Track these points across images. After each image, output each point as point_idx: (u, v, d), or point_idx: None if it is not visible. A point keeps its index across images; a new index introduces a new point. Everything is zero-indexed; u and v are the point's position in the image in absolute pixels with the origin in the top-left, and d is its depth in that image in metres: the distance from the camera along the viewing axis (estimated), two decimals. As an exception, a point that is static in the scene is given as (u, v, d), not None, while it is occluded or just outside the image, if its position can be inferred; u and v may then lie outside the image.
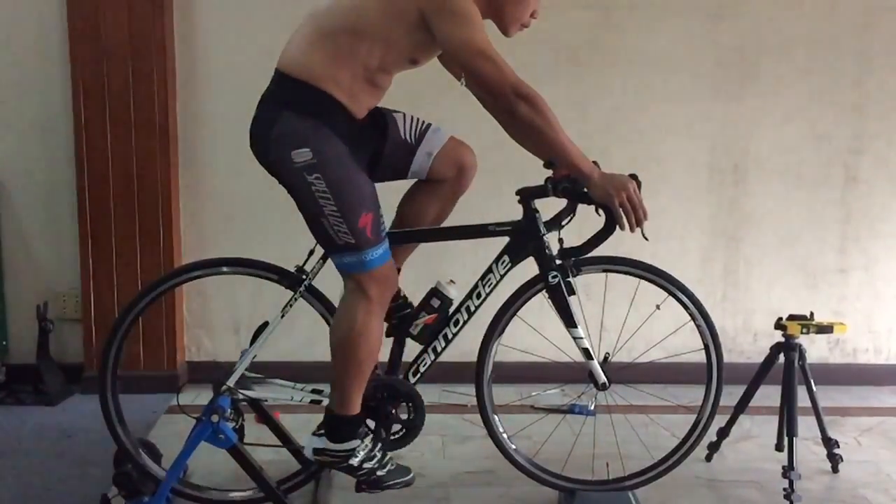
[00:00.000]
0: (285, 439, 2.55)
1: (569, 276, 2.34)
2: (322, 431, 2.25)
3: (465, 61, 2.04)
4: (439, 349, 2.35)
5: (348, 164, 2.12)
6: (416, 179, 2.37)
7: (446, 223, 2.42)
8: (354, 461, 2.23)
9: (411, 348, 2.38)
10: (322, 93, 2.08)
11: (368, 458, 2.25)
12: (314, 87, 2.08)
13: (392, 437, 2.35)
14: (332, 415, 2.24)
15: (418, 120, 2.34)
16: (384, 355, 2.32)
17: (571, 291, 2.34)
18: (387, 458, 2.29)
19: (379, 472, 2.26)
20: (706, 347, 2.44)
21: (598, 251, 2.31)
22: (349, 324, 2.15)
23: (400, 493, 2.57)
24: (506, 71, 2.04)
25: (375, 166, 2.27)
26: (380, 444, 2.29)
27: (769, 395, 2.70)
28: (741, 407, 2.75)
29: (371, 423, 2.32)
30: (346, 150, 2.11)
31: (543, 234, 2.32)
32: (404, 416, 2.36)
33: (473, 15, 2.03)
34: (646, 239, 2.18)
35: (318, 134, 2.08)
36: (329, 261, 2.30)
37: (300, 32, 2.15)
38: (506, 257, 2.35)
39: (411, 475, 2.33)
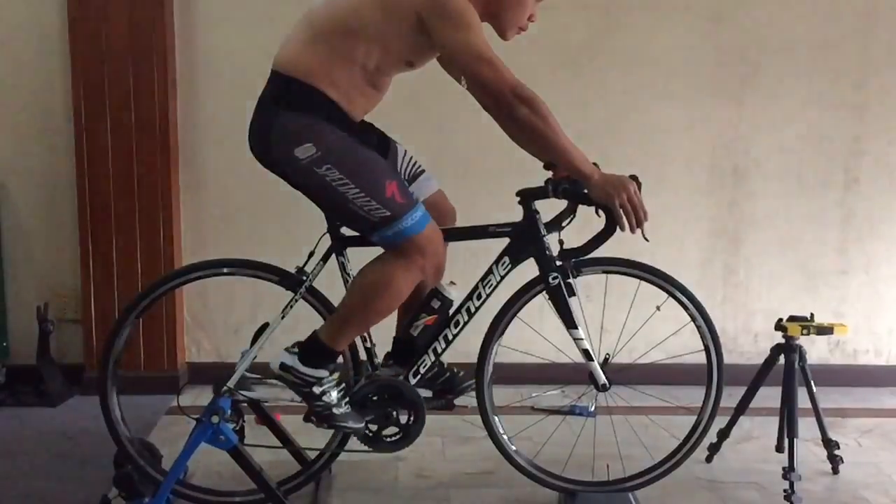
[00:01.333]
0: (285, 440, 2.56)
1: (569, 278, 2.34)
2: (295, 350, 2.24)
3: (464, 65, 2.04)
4: (439, 350, 2.35)
5: (354, 145, 2.12)
6: None
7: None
8: (317, 389, 2.21)
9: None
10: (318, 91, 2.08)
11: (328, 392, 2.22)
12: (310, 87, 2.08)
13: (387, 439, 2.35)
14: (316, 340, 2.22)
15: (415, 162, 2.37)
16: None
17: (572, 292, 2.34)
18: (345, 400, 2.26)
19: (335, 410, 2.23)
20: (706, 348, 2.44)
21: (598, 252, 2.31)
22: (380, 274, 2.15)
23: (400, 493, 2.59)
24: (505, 74, 2.04)
25: None
26: (343, 385, 2.26)
27: (769, 396, 2.70)
28: (741, 408, 2.75)
29: (370, 424, 2.32)
30: (346, 135, 2.11)
31: (544, 236, 2.32)
32: (403, 420, 2.35)
33: (471, 18, 2.03)
34: (646, 240, 2.18)
35: (318, 127, 2.08)
36: (329, 262, 2.31)
37: (295, 32, 2.15)
38: (506, 258, 2.35)
39: (362, 426, 2.28)
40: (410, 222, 2.11)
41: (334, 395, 2.23)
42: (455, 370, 2.44)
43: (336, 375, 2.26)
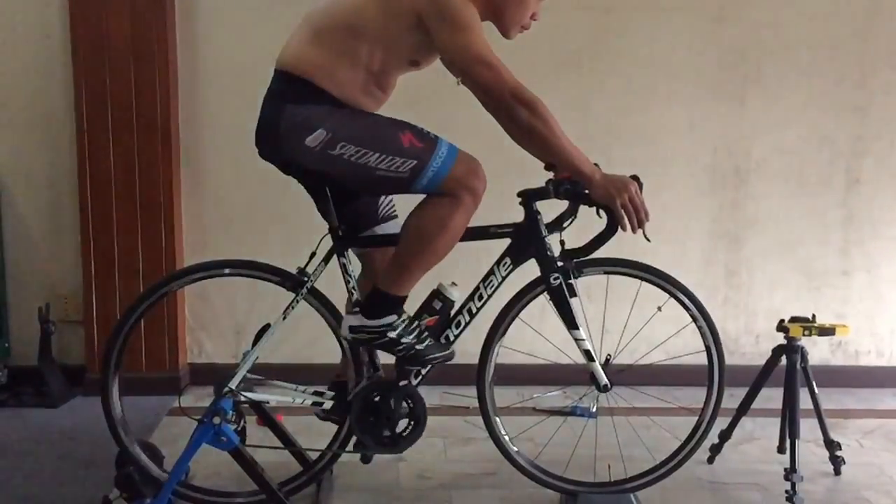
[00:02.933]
0: (287, 441, 2.56)
1: (570, 278, 2.34)
2: (357, 310, 2.24)
3: (464, 67, 2.04)
4: (440, 350, 2.35)
5: (357, 114, 2.12)
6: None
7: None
8: (392, 334, 2.21)
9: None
10: (321, 90, 2.08)
11: (407, 331, 2.22)
12: (314, 85, 2.08)
13: (385, 440, 2.35)
14: (378, 292, 2.21)
15: (393, 206, 2.38)
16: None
17: (573, 293, 2.34)
18: (424, 334, 2.26)
19: (418, 347, 2.23)
20: (708, 349, 2.44)
21: (599, 253, 2.31)
22: (438, 215, 2.13)
23: (402, 494, 2.59)
24: (505, 76, 2.04)
25: (346, 201, 2.28)
26: (416, 322, 2.26)
27: (771, 397, 2.70)
28: (743, 409, 2.75)
29: (371, 422, 2.32)
30: (347, 109, 2.11)
31: (545, 236, 2.32)
32: (403, 423, 2.35)
33: (471, 20, 2.02)
34: (647, 240, 2.19)
35: (322, 112, 2.08)
36: (331, 262, 2.31)
37: (298, 32, 2.16)
38: (507, 259, 2.35)
39: (450, 351, 2.31)
40: (439, 162, 2.09)
41: (413, 333, 2.23)
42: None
43: (405, 316, 2.25)
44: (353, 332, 2.23)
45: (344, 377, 2.39)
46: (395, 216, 2.39)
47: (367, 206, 2.34)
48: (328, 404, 2.33)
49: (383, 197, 2.36)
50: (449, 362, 2.31)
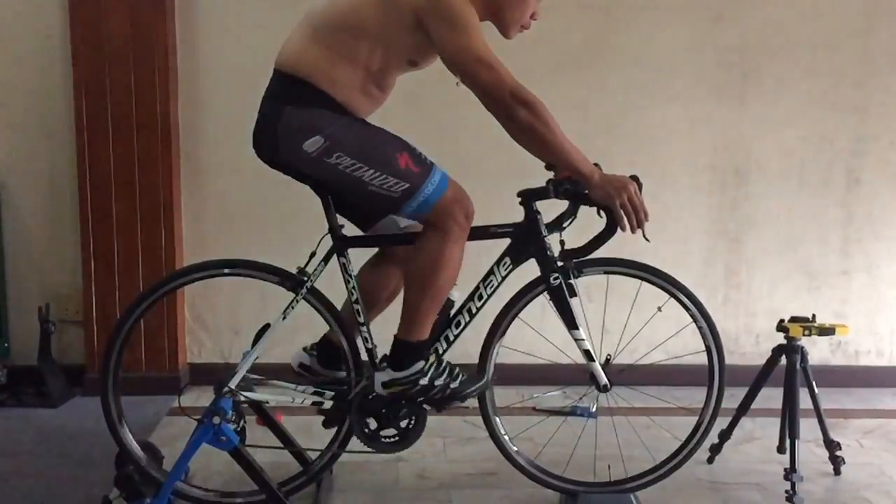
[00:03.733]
0: (287, 441, 2.56)
1: (570, 278, 2.34)
2: (385, 364, 2.25)
3: (463, 68, 2.04)
4: (441, 350, 2.35)
5: (358, 127, 2.12)
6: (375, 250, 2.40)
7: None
8: (424, 380, 2.22)
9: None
10: (321, 92, 2.08)
11: (438, 374, 2.24)
12: (313, 86, 2.08)
13: (385, 441, 2.35)
14: (401, 342, 2.23)
15: None
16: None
17: (573, 293, 2.34)
18: (456, 369, 2.28)
19: (453, 385, 2.25)
20: (708, 349, 2.44)
21: (599, 253, 2.31)
22: (427, 255, 2.15)
23: (401, 494, 2.59)
24: (504, 76, 2.04)
25: (346, 202, 2.28)
26: (442, 362, 2.28)
27: (771, 397, 2.70)
28: (743, 409, 2.75)
29: (374, 422, 2.32)
30: (349, 118, 2.11)
31: (545, 236, 2.32)
32: (403, 423, 2.35)
33: (470, 20, 2.02)
34: (647, 240, 2.19)
35: (322, 118, 2.08)
36: (330, 262, 2.31)
37: (297, 32, 2.15)
38: (507, 259, 2.35)
39: (484, 380, 2.33)
40: (431, 188, 2.11)
41: (444, 373, 2.25)
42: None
43: (432, 358, 2.26)
44: (386, 388, 2.25)
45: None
46: None
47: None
48: (328, 404, 2.33)
49: None
50: (485, 389, 2.33)
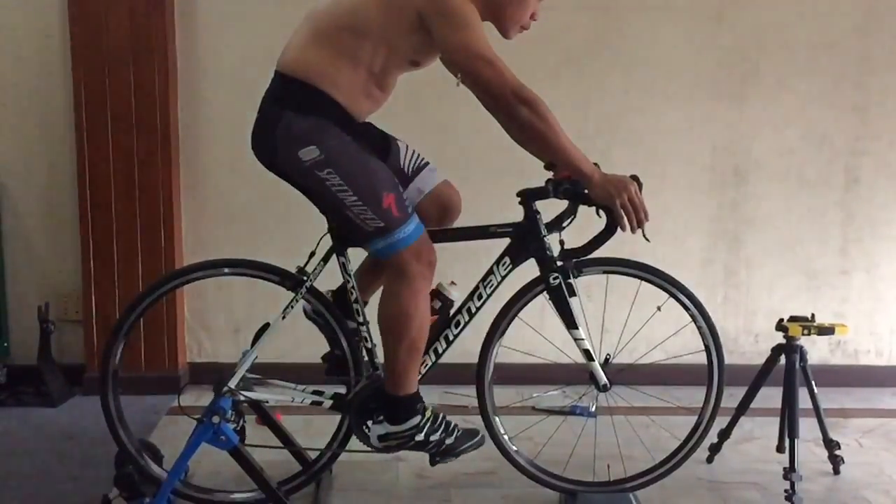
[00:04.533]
0: (286, 440, 2.56)
1: (570, 278, 2.34)
2: (381, 417, 2.26)
3: (465, 65, 2.04)
4: (440, 350, 2.35)
5: (357, 152, 2.12)
6: None
7: (447, 224, 2.42)
8: (420, 436, 2.24)
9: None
10: (322, 93, 2.08)
11: (433, 430, 2.25)
12: (314, 88, 2.08)
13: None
14: (390, 398, 2.24)
15: (418, 155, 2.36)
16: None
17: (572, 293, 2.34)
18: (452, 424, 2.30)
19: (448, 441, 2.27)
20: (707, 349, 2.44)
21: (599, 252, 2.31)
22: (396, 307, 2.16)
23: (401, 494, 2.59)
24: (505, 74, 2.04)
25: None
26: (441, 414, 2.29)
27: (770, 396, 2.70)
28: (742, 408, 2.75)
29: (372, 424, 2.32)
30: (351, 140, 2.12)
31: (544, 236, 2.32)
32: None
33: (472, 18, 2.02)
34: (647, 240, 2.19)
35: (322, 129, 2.08)
36: (330, 262, 2.31)
37: (299, 33, 2.15)
38: (507, 259, 2.35)
39: (480, 436, 2.35)
40: (402, 235, 2.12)
41: (440, 429, 2.27)
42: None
43: (429, 412, 2.28)
44: (382, 441, 2.27)
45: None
46: (427, 163, 2.36)
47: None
48: (327, 403, 2.33)
49: (403, 156, 2.33)
50: (480, 445, 2.35)
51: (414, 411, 2.25)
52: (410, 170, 2.33)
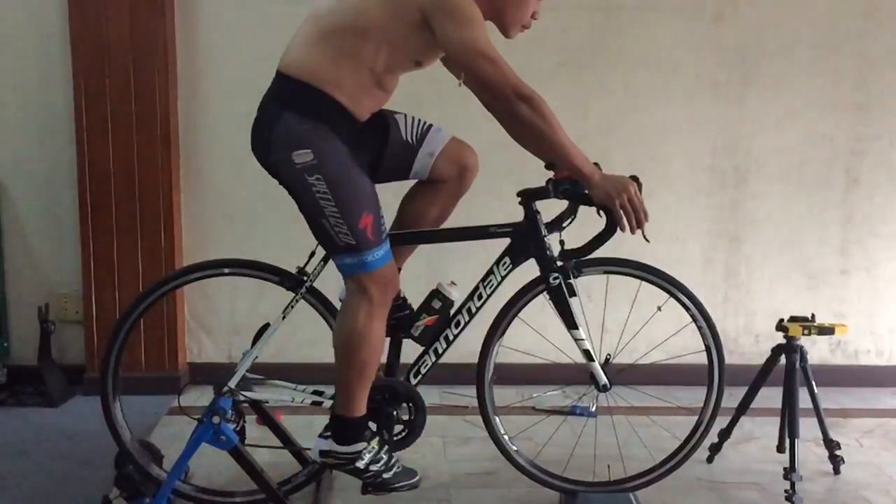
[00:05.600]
0: (286, 441, 2.55)
1: (570, 278, 2.34)
2: (328, 433, 2.25)
3: (466, 62, 2.04)
4: (440, 350, 2.35)
5: (349, 165, 2.12)
6: (416, 180, 2.37)
7: (447, 224, 2.42)
8: (361, 464, 2.23)
9: (409, 349, 2.38)
10: (323, 94, 2.08)
11: (375, 460, 2.25)
12: (315, 89, 2.08)
13: (394, 439, 2.35)
14: (337, 417, 2.24)
15: (419, 120, 2.34)
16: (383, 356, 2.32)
17: (573, 293, 2.34)
18: (393, 460, 2.29)
19: (385, 475, 2.26)
20: (707, 349, 2.44)
21: (599, 252, 2.31)
22: (351, 326, 2.15)
23: (401, 493, 2.58)
24: (507, 72, 2.04)
25: (377, 168, 2.27)
26: (386, 447, 2.29)
27: (770, 396, 2.70)
28: (742, 408, 2.75)
29: (374, 426, 2.32)
30: (346, 151, 2.11)
31: (544, 236, 2.32)
32: (405, 418, 2.35)
33: (475, 16, 2.02)
34: (647, 240, 2.18)
35: (319, 134, 2.08)
36: (330, 262, 2.30)
37: (301, 33, 2.15)
38: (507, 259, 2.35)
39: (417, 478, 2.33)
40: (371, 258, 2.11)
41: (382, 459, 2.26)
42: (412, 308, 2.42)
43: (375, 442, 2.26)
44: (322, 457, 2.26)
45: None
46: (430, 125, 2.34)
47: (395, 160, 2.30)
48: (327, 403, 2.33)
49: (405, 129, 2.31)
50: (415, 487, 2.33)
51: (360, 437, 2.24)
52: (415, 138, 2.30)
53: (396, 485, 2.29)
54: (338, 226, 2.09)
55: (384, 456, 2.27)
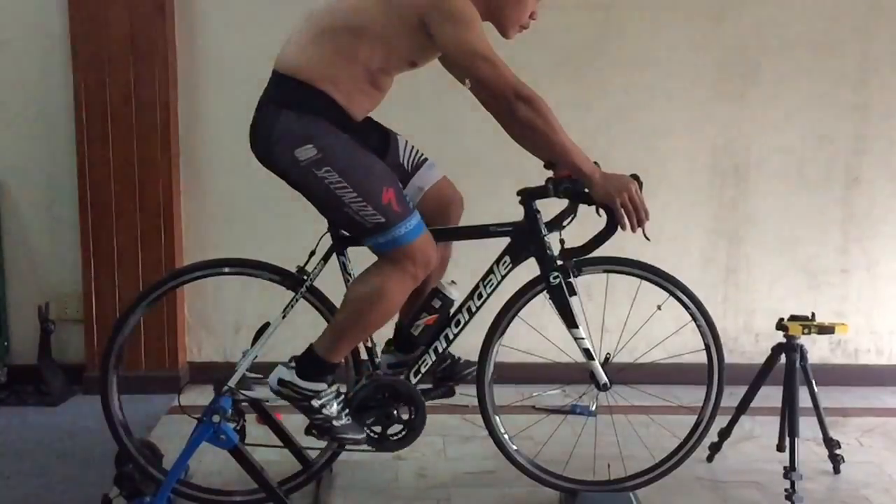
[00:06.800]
0: (286, 440, 2.56)
1: (570, 277, 2.34)
2: (293, 365, 2.25)
3: (465, 64, 2.04)
4: (440, 349, 2.35)
5: (354, 148, 2.12)
6: None
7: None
8: (315, 403, 2.22)
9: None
10: (320, 92, 2.08)
11: (328, 404, 2.23)
12: (311, 87, 2.08)
13: (394, 438, 2.35)
14: (312, 354, 2.23)
15: (417, 151, 2.36)
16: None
17: (573, 292, 2.34)
18: (345, 412, 2.27)
19: (335, 423, 2.24)
20: (707, 348, 2.44)
21: (599, 252, 2.31)
22: (375, 284, 2.15)
23: (401, 493, 2.59)
24: (506, 73, 2.04)
25: None
26: (342, 398, 2.27)
27: (770, 395, 2.70)
28: (742, 407, 2.75)
29: (374, 427, 2.32)
30: (348, 138, 2.12)
31: (544, 235, 2.32)
32: (405, 417, 2.35)
33: (472, 17, 2.03)
34: (647, 239, 2.19)
35: (319, 128, 2.08)
36: (330, 262, 2.31)
37: (298, 33, 2.15)
38: (507, 258, 2.35)
39: (362, 437, 2.29)
40: (404, 231, 2.11)
41: (334, 407, 2.24)
42: (455, 356, 2.44)
43: (335, 388, 2.26)
44: (280, 385, 2.24)
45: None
46: (426, 159, 2.35)
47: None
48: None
49: (402, 152, 2.33)
50: (359, 444, 2.29)
51: (323, 377, 2.23)
52: (410, 166, 2.33)
53: (342, 435, 2.25)
54: (362, 209, 2.09)
55: (337, 406, 2.25)
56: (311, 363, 2.23)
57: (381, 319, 2.20)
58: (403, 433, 2.36)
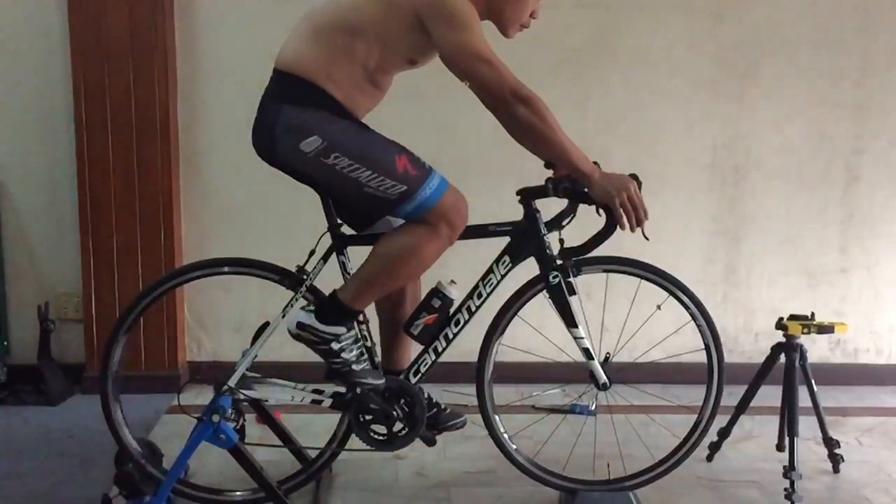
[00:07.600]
0: (286, 439, 2.56)
1: (569, 276, 2.34)
2: (312, 308, 2.24)
3: (463, 65, 2.04)
4: (440, 349, 2.35)
5: (358, 129, 2.13)
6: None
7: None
8: (335, 346, 2.22)
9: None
10: (319, 89, 2.09)
11: (348, 348, 2.23)
12: (310, 83, 2.09)
13: (396, 436, 2.35)
14: (338, 300, 2.22)
15: None
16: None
17: (572, 291, 2.34)
18: (364, 356, 2.27)
19: (354, 367, 2.24)
20: (707, 347, 2.44)
21: (598, 251, 2.31)
22: (409, 242, 2.15)
23: (400, 492, 2.59)
24: (504, 74, 2.04)
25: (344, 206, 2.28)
26: (360, 343, 2.27)
27: (770, 395, 2.70)
28: (742, 407, 2.75)
29: (377, 427, 2.32)
30: (349, 122, 2.12)
31: (544, 234, 2.33)
32: (404, 416, 2.35)
33: (470, 18, 2.03)
34: (646, 239, 2.19)
35: (320, 118, 2.08)
36: (330, 261, 2.31)
37: (297, 31, 2.16)
38: (506, 257, 2.35)
39: (382, 381, 2.30)
40: (429, 191, 2.11)
41: (353, 351, 2.24)
42: (442, 406, 2.44)
43: (354, 332, 2.25)
44: (299, 329, 2.23)
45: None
46: None
47: None
48: (327, 402, 2.33)
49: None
50: (379, 389, 2.29)
51: (344, 322, 2.22)
52: None
53: (360, 380, 2.25)
54: (381, 184, 2.09)
55: (357, 350, 2.25)
56: (333, 308, 2.22)
57: (411, 276, 2.21)
58: (404, 432, 2.36)
